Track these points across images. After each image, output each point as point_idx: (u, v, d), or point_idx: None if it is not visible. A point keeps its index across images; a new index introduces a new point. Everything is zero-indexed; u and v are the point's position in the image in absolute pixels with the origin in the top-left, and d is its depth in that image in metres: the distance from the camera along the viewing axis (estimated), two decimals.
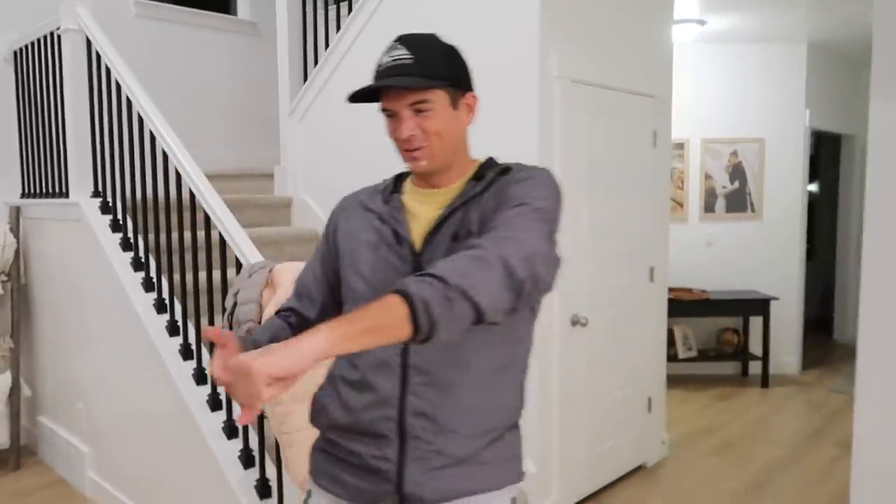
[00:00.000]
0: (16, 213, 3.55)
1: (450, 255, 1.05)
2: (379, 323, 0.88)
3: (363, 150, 3.44)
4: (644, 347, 3.55)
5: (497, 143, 2.85)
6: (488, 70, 2.86)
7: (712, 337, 5.33)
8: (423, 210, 1.19)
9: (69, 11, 2.99)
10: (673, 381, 4.93)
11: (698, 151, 5.15)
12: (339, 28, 3.56)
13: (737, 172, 5.14)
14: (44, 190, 3.46)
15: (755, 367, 5.25)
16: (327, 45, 3.63)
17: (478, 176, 1.21)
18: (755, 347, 5.21)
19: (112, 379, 2.97)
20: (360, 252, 1.19)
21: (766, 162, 5.12)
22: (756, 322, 5.16)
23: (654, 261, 3.55)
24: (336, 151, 3.58)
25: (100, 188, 3.05)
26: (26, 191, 3.68)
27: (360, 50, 3.37)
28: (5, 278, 3.44)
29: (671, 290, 4.84)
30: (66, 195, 3.14)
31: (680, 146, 5.10)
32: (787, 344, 5.29)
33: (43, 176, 3.47)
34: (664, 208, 3.63)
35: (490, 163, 1.25)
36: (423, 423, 1.11)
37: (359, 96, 1.15)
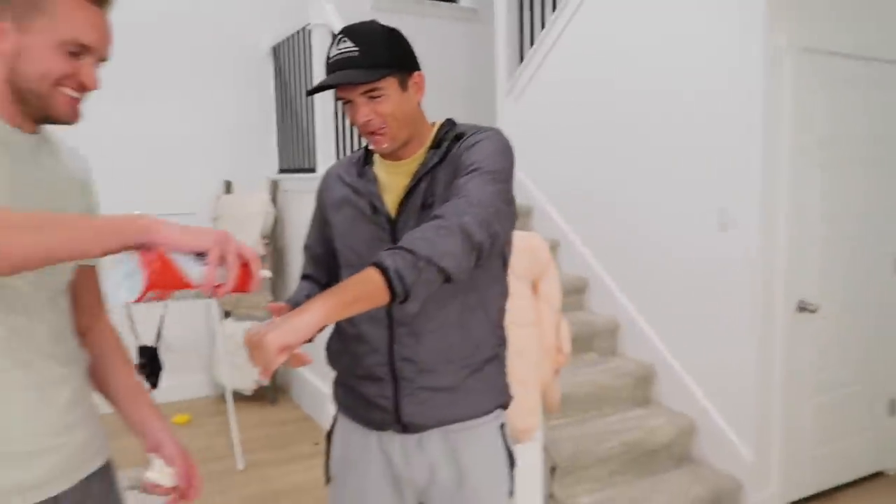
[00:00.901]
0: (273, 186, 4.14)
1: (420, 222, 1.22)
2: (362, 293, 1.04)
3: (576, 128, 3.48)
4: (888, 343, 3.16)
5: (717, 120, 2.74)
6: (707, 43, 2.74)
7: None
8: (393, 181, 1.32)
9: (318, 8, 3.39)
10: None
11: None
12: (554, 8, 3.61)
13: None
14: (297, 166, 3.99)
15: None
16: (543, 25, 3.69)
17: (436, 144, 1.31)
18: None
19: None
20: (346, 224, 1.35)
21: None
22: None
23: None
24: (550, 129, 3.65)
25: None
26: (282, 167, 4.27)
27: (576, 27, 3.39)
28: (266, 241, 4.04)
29: None
30: (314, 170, 3.59)
31: None
32: None
33: (295, 153, 4.00)
34: None
35: (447, 126, 1.34)
36: (408, 366, 1.29)
37: (316, 88, 1.24)
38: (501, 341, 1.38)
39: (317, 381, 3.83)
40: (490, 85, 4.23)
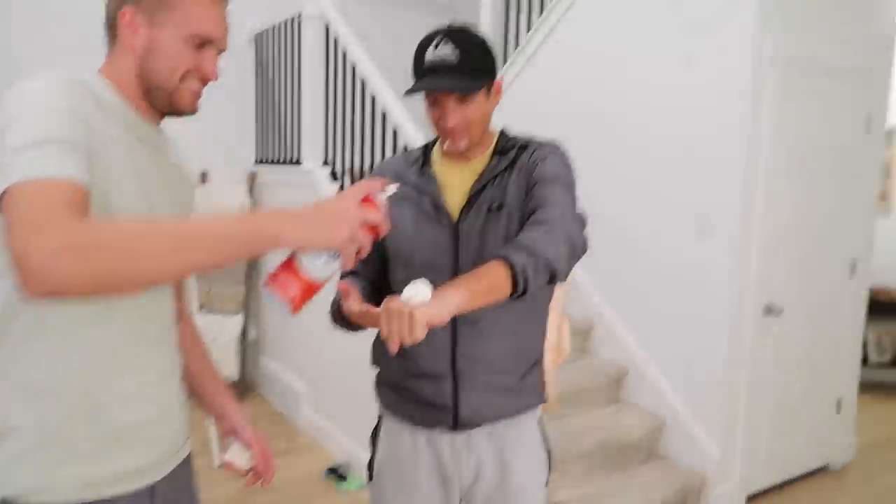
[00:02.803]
0: (251, 177, 4.08)
1: (485, 225, 1.29)
2: (493, 283, 1.09)
3: (555, 132, 3.54)
4: (838, 346, 3.40)
5: (702, 125, 2.86)
6: (700, 51, 2.86)
7: None
8: (455, 182, 1.35)
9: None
10: (861, 387, 4.64)
11: None
12: (542, 11, 3.65)
13: None
14: (277, 158, 3.94)
15: None
16: (529, 27, 3.73)
17: (500, 150, 1.36)
18: None
19: (329, 329, 3.35)
20: (403, 222, 1.34)
21: None
22: None
23: (856, 255, 3.38)
24: (537, 125, 3.71)
25: (329, 158, 3.44)
26: (259, 158, 4.21)
27: (561, 34, 3.43)
28: None
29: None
30: (299, 163, 3.57)
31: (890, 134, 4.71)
32: None
33: (277, 145, 3.95)
34: (869, 200, 3.42)
35: (506, 135, 1.39)
36: (470, 364, 1.33)
37: (413, 90, 1.27)
38: (543, 342, 1.46)
39: (288, 378, 3.81)
40: None
